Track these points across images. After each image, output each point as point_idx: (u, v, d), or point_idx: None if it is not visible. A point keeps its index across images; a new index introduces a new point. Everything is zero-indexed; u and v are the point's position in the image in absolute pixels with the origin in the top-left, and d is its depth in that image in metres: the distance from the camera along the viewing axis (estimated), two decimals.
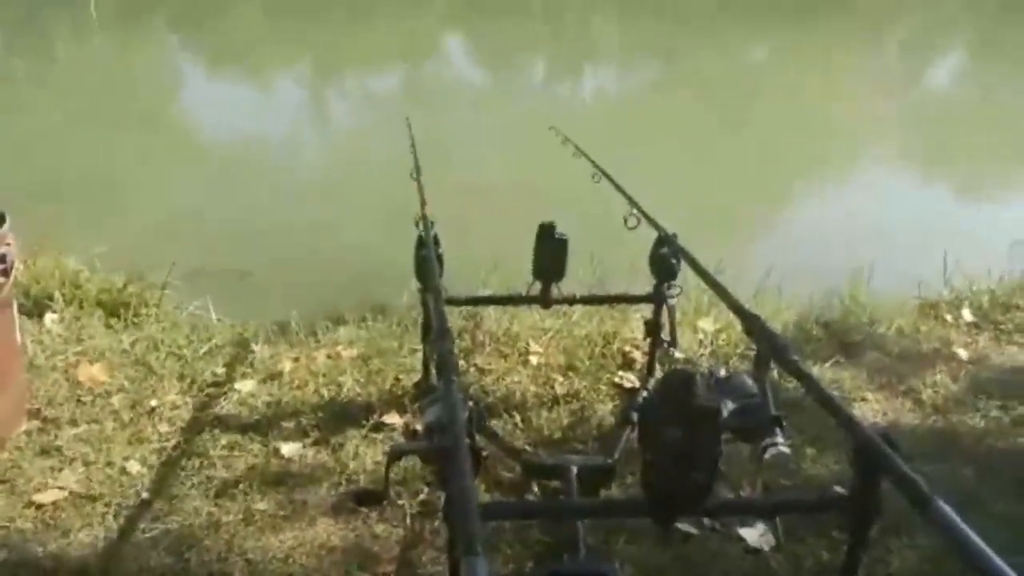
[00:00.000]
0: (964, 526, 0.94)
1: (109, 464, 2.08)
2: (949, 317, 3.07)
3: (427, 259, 1.85)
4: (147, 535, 1.86)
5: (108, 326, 2.77)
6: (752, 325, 1.48)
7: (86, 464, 2.08)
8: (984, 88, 9.65)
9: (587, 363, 2.64)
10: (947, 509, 0.96)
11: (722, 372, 1.76)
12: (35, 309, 2.80)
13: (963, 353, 2.82)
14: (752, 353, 1.49)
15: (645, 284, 2.29)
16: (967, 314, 3.09)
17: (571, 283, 2.53)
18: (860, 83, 9.13)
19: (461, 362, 2.62)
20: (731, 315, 1.50)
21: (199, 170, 5.84)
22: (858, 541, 1.19)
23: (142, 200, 4.83)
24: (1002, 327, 3.04)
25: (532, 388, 2.51)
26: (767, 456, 1.43)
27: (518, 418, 2.34)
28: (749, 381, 1.59)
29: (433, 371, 1.99)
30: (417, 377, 2.44)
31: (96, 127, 6.44)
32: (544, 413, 2.37)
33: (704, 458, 1.09)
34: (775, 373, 2.19)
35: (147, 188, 5.10)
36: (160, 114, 7.61)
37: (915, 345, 2.86)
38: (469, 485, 0.99)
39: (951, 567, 1.71)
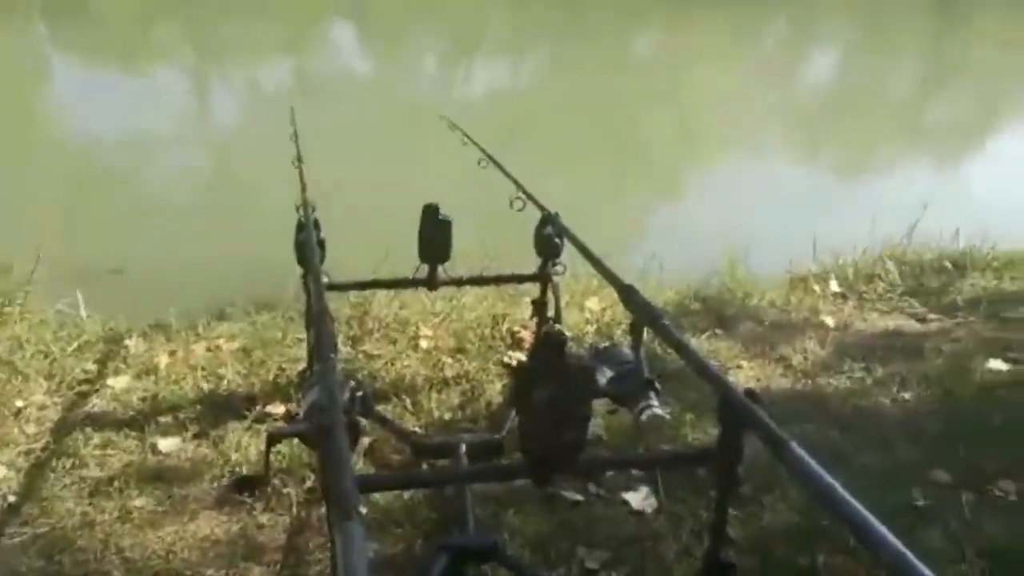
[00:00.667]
0: (817, 467, 1.00)
1: None
2: (817, 288, 3.25)
3: (306, 243, 1.82)
4: (15, 540, 1.77)
5: None
6: (625, 293, 1.53)
7: None
8: (853, 81, 10.25)
9: (477, 345, 2.66)
10: (802, 453, 1.02)
11: (602, 345, 1.81)
12: None
13: (830, 321, 2.98)
14: None
15: (535, 267, 2.32)
16: (834, 285, 3.28)
17: (462, 268, 2.54)
18: (743, 75, 9.52)
19: (349, 349, 2.60)
20: (616, 295, 1.55)
21: (69, 165, 5.55)
22: (726, 490, 1.25)
23: (5, 196, 4.55)
24: (865, 296, 3.23)
25: (422, 371, 2.51)
26: (643, 418, 1.49)
27: (408, 401, 2.34)
28: (626, 351, 1.65)
29: None
30: (302, 366, 2.40)
31: None
32: (434, 395, 2.37)
33: (576, 416, 1.13)
34: (655, 346, 2.29)
35: (12, 184, 4.81)
36: (27, 108, 7.19)
37: (786, 315, 3.01)
38: (344, 456, 0.99)
39: (817, 517, 1.83)
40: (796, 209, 4.97)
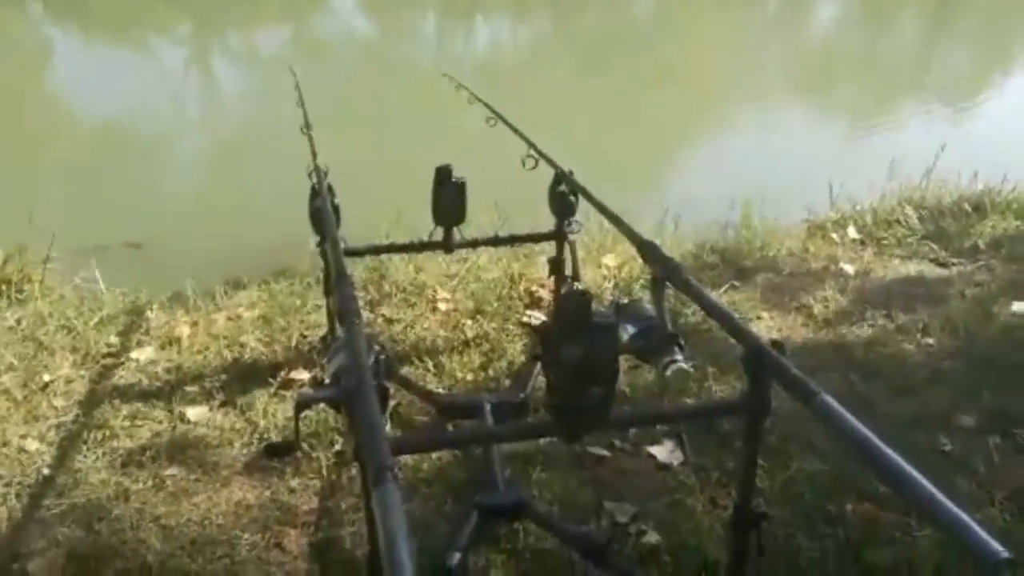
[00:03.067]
0: (847, 414, 1.00)
1: (5, 444, 1.99)
2: (836, 236, 3.22)
3: (322, 209, 1.82)
4: (53, 511, 1.80)
5: None
6: (645, 249, 1.53)
7: None
8: (863, 27, 10.06)
9: (495, 305, 2.65)
10: (831, 401, 1.02)
11: (623, 301, 1.81)
12: None
13: (849, 268, 2.96)
14: None
15: (550, 225, 2.30)
16: (852, 232, 3.25)
17: (477, 229, 2.53)
18: (749, 27, 9.35)
19: (369, 314, 2.60)
20: (633, 250, 1.54)
21: (78, 143, 5.56)
22: (752, 440, 1.25)
23: (18, 176, 4.56)
24: (884, 242, 3.20)
25: (442, 334, 2.51)
26: (668, 373, 1.48)
27: (430, 363, 2.35)
28: (647, 306, 1.64)
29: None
30: (323, 332, 2.41)
31: None
32: (456, 357, 2.38)
33: (603, 373, 1.13)
34: (675, 300, 2.28)
35: (22, 162, 4.82)
36: (34, 86, 7.17)
37: (804, 264, 2.99)
38: (376, 420, 0.99)
39: (844, 465, 1.84)
40: (811, 157, 4.92)
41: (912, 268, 3.03)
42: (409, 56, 8.49)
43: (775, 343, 1.16)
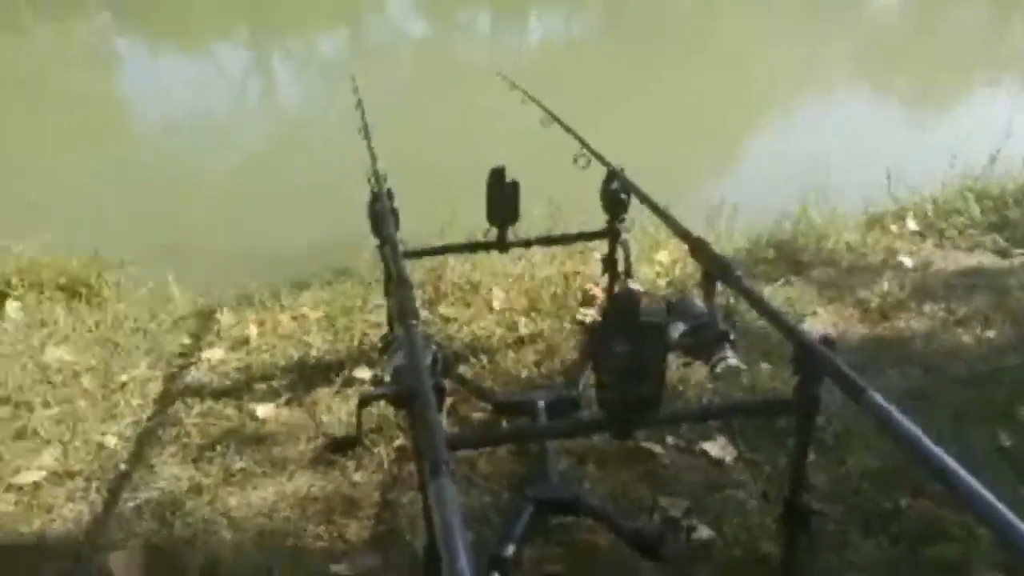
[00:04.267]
0: (895, 411, 1.01)
1: (85, 441, 2.10)
2: (894, 228, 3.17)
3: (382, 213, 1.88)
4: (130, 504, 1.90)
5: (70, 308, 2.76)
6: (695, 246, 1.55)
7: (62, 443, 2.09)
8: (923, 7, 9.77)
9: (549, 303, 2.69)
10: (879, 398, 1.04)
11: (674, 298, 1.83)
12: None
13: (908, 261, 2.92)
14: None
15: (603, 223, 2.32)
16: (911, 223, 3.20)
17: (532, 227, 2.56)
18: (804, 15, 9.18)
19: (426, 313, 2.66)
20: (686, 246, 1.56)
21: (141, 148, 5.77)
22: (803, 436, 1.27)
23: (88, 183, 4.76)
24: (945, 233, 3.14)
25: (497, 332, 2.55)
26: (718, 369, 1.50)
27: (485, 361, 2.39)
28: (698, 303, 1.66)
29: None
30: (384, 331, 2.48)
31: (30, 112, 6.30)
32: (510, 354, 2.42)
33: (652, 370, 1.16)
34: (729, 297, 2.28)
35: (91, 169, 5.03)
36: (96, 95, 7.44)
37: (862, 258, 2.95)
38: (434, 416, 1.04)
39: (899, 460, 1.83)
40: (870, 146, 4.83)
41: (973, 260, 2.97)
42: (463, 56, 8.57)
43: (825, 339, 1.18)
